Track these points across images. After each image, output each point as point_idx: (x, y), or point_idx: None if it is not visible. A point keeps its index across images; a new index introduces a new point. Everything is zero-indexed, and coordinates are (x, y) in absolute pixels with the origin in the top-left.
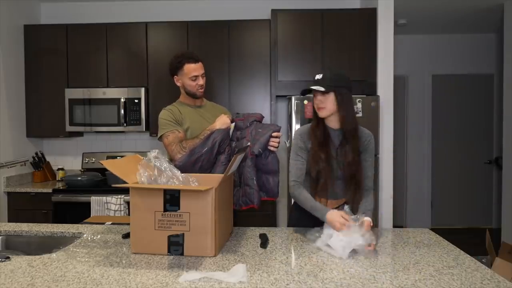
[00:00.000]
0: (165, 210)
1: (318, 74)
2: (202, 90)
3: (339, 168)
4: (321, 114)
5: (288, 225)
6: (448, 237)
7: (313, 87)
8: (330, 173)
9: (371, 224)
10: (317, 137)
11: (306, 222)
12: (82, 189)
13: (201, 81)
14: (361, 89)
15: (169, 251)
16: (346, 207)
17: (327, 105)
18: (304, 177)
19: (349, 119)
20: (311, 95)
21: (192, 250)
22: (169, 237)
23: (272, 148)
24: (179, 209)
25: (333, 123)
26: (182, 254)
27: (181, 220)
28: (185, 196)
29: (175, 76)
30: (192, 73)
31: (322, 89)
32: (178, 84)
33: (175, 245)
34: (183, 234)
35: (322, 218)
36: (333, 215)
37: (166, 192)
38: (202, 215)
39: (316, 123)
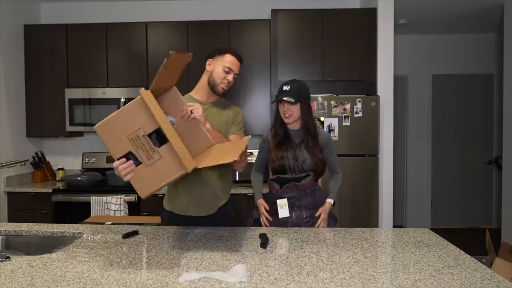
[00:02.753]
0: (149, 135)
1: (285, 85)
2: (225, 87)
3: (297, 163)
4: (288, 120)
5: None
6: (448, 237)
7: (285, 98)
8: (289, 168)
9: (332, 205)
10: (277, 138)
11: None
12: (82, 189)
13: (230, 77)
14: (361, 89)
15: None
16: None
17: (293, 113)
18: (264, 170)
19: (310, 124)
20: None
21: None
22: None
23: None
24: (158, 147)
25: (293, 125)
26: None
27: (150, 156)
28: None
29: (210, 60)
30: (229, 65)
31: (292, 100)
32: (208, 68)
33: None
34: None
35: (255, 200)
36: (261, 201)
37: (159, 129)
38: (169, 164)
39: (276, 125)
